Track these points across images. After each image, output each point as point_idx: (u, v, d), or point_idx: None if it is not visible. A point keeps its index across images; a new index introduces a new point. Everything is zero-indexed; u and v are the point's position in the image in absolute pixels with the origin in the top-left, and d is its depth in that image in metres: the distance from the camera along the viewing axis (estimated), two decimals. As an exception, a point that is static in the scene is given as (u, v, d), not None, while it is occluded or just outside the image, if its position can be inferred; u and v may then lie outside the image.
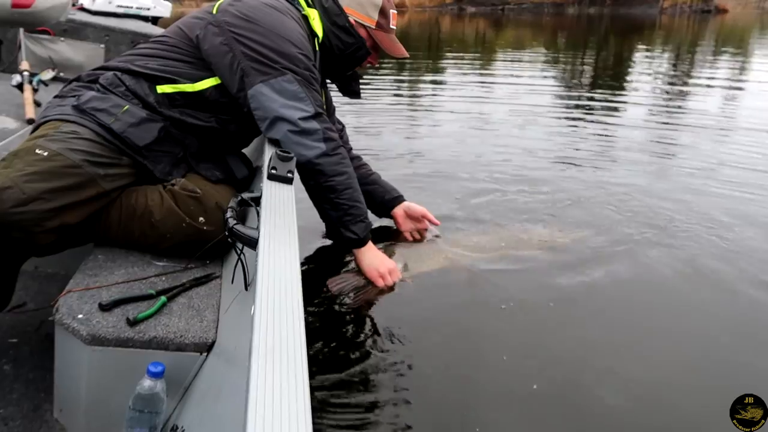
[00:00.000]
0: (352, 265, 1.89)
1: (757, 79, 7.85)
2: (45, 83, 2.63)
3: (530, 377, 1.50)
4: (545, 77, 7.72)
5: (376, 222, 2.24)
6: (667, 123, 4.84)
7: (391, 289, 1.81)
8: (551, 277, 1.98)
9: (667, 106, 5.74)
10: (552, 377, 1.51)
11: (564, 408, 1.42)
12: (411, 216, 2.19)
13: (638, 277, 2.05)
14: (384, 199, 2.18)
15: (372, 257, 1.83)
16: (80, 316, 1.16)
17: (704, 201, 2.81)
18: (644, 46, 12.62)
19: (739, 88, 7.06)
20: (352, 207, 1.74)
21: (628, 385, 1.51)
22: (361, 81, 1.99)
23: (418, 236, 2.20)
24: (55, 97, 1.56)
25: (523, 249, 2.16)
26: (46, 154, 1.32)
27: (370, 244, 1.84)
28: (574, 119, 4.91)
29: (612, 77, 8.20)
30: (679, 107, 5.68)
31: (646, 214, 2.59)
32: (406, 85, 6.94)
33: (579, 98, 6.15)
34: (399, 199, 2.19)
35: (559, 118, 4.96)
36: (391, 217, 2.20)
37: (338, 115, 2.16)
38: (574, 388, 1.48)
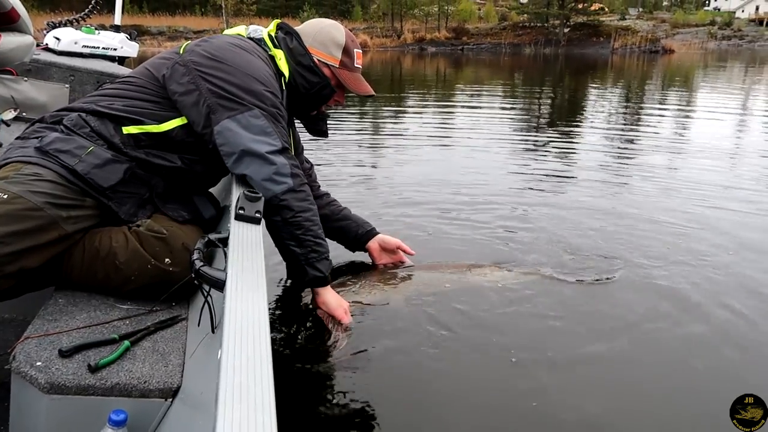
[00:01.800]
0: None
1: (703, 108, 8.45)
2: (6, 123, 2.56)
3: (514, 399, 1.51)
4: (506, 112, 7.93)
5: (349, 257, 2.24)
6: (624, 148, 5.12)
7: (347, 328, 1.75)
8: (530, 306, 1.99)
9: (622, 134, 6.02)
10: (543, 386, 1.53)
11: (562, 413, 1.44)
12: (386, 248, 2.19)
13: (631, 288, 2.12)
14: (357, 234, 2.17)
15: (334, 296, 1.78)
16: (38, 363, 1.11)
17: (677, 216, 2.97)
18: (598, 83, 13.13)
19: (687, 117, 7.53)
20: (318, 244, 1.68)
21: (629, 386, 1.54)
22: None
23: (393, 268, 2.19)
24: (17, 138, 1.53)
25: (493, 281, 2.17)
26: (6, 196, 1.28)
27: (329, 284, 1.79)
28: (536, 150, 5.07)
29: (569, 109, 8.52)
30: (634, 135, 5.96)
31: (619, 235, 2.70)
32: (369, 119, 7.04)
33: (540, 130, 6.35)
34: (372, 233, 2.18)
35: (522, 148, 5.14)
36: (366, 250, 2.19)
37: (305, 147, 2.16)
38: (570, 393, 1.50)
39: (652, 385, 1.55)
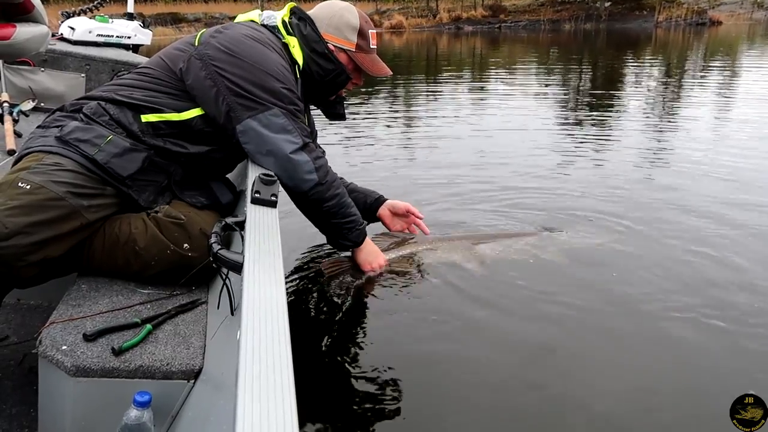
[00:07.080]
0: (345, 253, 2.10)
1: (749, 80, 8.42)
2: (25, 114, 2.68)
3: (527, 385, 1.55)
4: (546, 91, 7.84)
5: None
6: (665, 129, 5.12)
7: (375, 278, 2.01)
8: (545, 283, 2.05)
9: (667, 112, 6.01)
10: (548, 381, 1.56)
11: (562, 412, 1.46)
12: (396, 213, 2.25)
13: (635, 281, 2.12)
14: (366, 204, 2.23)
15: (368, 253, 2.02)
16: (64, 347, 1.19)
17: (705, 201, 2.98)
18: (641, 59, 12.83)
19: (732, 89, 7.45)
20: (348, 222, 1.90)
21: (629, 386, 1.55)
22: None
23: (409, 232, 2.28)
24: (38, 127, 1.61)
25: (519, 254, 2.26)
26: (28, 187, 1.35)
27: (367, 240, 2.01)
28: (575, 129, 5.08)
29: (612, 86, 8.40)
30: (676, 113, 5.89)
31: (643, 215, 2.75)
32: (402, 101, 7.04)
33: (582, 108, 6.31)
34: (381, 200, 2.25)
35: (561, 128, 5.16)
36: (378, 219, 2.26)
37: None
38: (571, 392, 1.53)
39: (652, 385, 1.56)
